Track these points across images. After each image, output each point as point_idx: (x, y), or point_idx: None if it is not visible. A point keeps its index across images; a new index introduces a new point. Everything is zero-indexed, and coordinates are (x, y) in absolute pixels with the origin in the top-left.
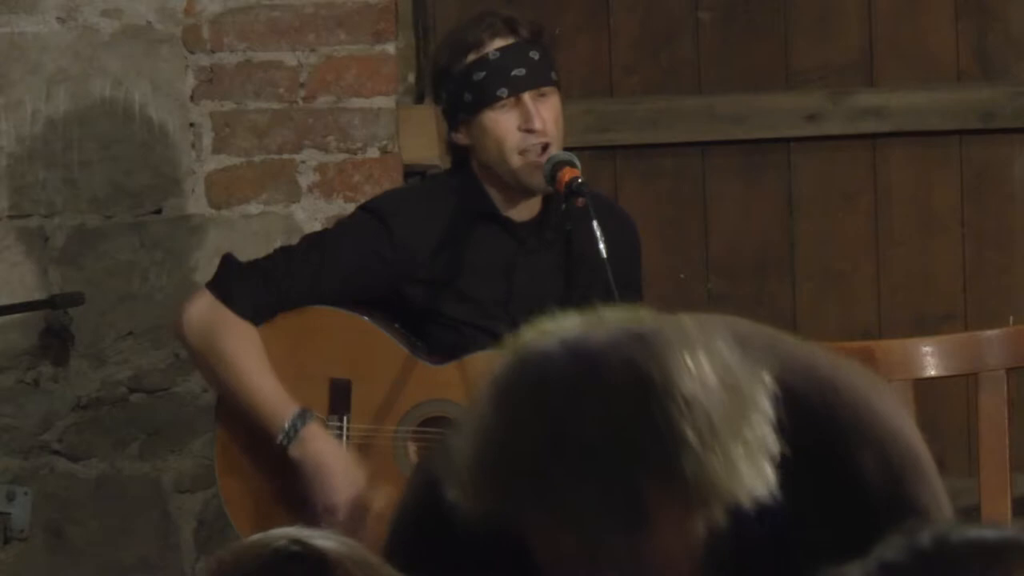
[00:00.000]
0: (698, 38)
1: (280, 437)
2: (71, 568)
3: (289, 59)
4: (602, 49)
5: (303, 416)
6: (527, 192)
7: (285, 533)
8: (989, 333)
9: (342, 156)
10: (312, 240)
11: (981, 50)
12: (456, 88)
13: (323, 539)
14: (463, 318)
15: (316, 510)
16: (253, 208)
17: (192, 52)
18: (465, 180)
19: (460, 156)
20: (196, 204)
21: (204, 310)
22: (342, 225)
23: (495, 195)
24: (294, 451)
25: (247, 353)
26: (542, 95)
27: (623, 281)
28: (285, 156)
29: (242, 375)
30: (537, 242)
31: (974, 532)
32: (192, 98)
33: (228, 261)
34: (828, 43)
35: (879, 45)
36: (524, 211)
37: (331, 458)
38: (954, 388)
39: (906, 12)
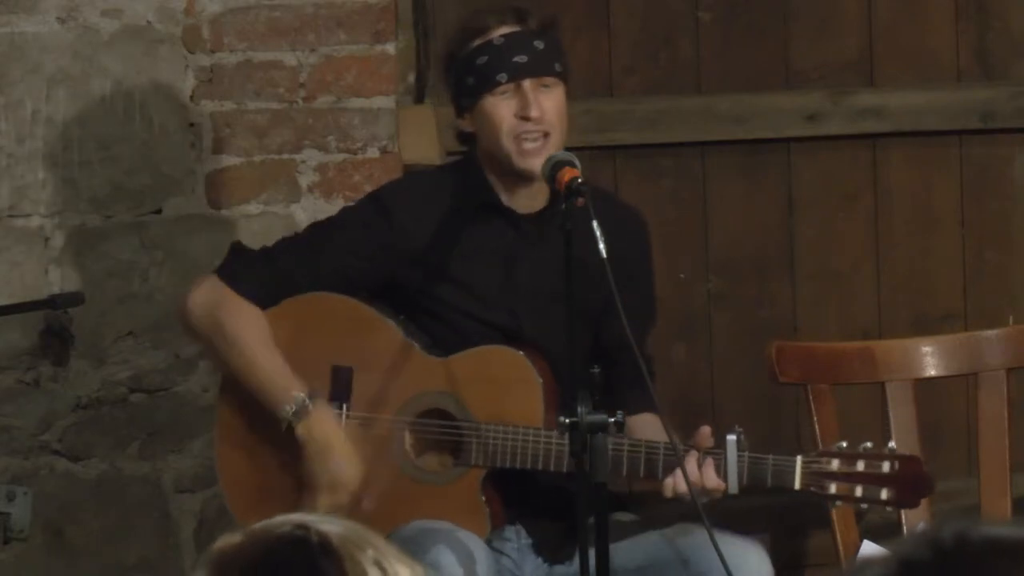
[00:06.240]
0: (698, 38)
1: (287, 414)
2: (71, 568)
3: (289, 59)
4: (602, 49)
5: (311, 396)
6: (523, 177)
7: (289, 519)
8: (989, 333)
9: (342, 156)
10: (316, 226)
11: (981, 50)
12: (460, 73)
13: (327, 523)
14: (463, 308)
15: (315, 488)
16: (253, 208)
17: (192, 52)
18: (470, 168)
19: (468, 143)
20: (196, 204)
21: (210, 291)
22: (346, 211)
23: (497, 184)
24: (301, 429)
25: (252, 333)
26: (545, 86)
27: (626, 278)
28: (285, 156)
29: (247, 354)
30: (539, 235)
31: (994, 530)
32: (192, 98)
33: (236, 247)
34: (828, 43)
35: (879, 45)
36: (528, 202)
37: (339, 440)
38: (954, 388)
39: (906, 12)
